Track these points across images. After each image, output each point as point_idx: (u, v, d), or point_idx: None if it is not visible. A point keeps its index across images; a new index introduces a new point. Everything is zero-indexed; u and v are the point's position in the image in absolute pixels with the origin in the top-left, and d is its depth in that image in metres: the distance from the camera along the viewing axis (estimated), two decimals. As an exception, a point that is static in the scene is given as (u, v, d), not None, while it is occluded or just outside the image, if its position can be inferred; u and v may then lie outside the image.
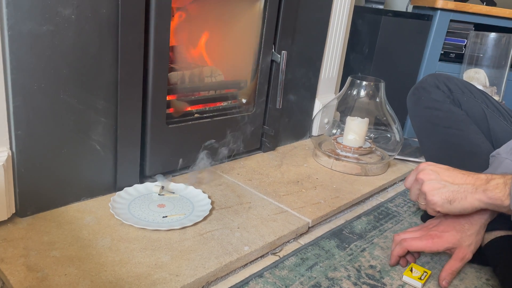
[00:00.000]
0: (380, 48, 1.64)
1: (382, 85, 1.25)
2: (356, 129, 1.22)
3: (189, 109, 1.09)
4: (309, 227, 0.92)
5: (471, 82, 1.24)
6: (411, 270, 0.79)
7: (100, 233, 0.77)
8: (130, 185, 0.92)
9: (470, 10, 1.68)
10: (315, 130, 1.37)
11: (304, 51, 1.28)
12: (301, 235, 0.90)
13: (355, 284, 0.76)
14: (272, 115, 1.23)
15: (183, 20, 1.14)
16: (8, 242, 0.71)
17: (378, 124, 1.31)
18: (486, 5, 1.74)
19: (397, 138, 1.26)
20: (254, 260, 0.80)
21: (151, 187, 0.93)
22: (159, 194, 0.92)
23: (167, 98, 0.97)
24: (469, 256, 0.76)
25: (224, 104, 1.17)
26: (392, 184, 1.22)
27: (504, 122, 0.92)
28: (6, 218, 0.75)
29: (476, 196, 0.68)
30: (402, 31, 1.66)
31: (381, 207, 1.07)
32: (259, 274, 0.75)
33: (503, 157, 0.81)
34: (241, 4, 1.15)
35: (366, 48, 1.68)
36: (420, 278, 0.77)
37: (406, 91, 1.08)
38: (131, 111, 0.88)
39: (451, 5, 1.66)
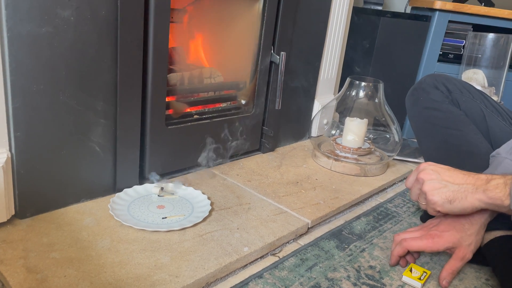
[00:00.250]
0: (378, 49, 1.64)
1: (381, 86, 1.25)
2: (355, 130, 1.22)
3: (188, 110, 1.09)
4: (308, 228, 0.92)
5: (470, 83, 1.24)
6: (411, 270, 0.79)
7: (99, 235, 0.77)
8: (130, 186, 0.92)
9: (468, 11, 1.68)
10: (314, 131, 1.37)
11: (303, 52, 1.28)
12: (301, 235, 0.90)
13: (355, 284, 0.76)
14: (271, 116, 1.23)
15: (182, 22, 1.15)
16: (8, 244, 0.71)
17: (377, 125, 1.32)
18: (485, 5, 1.74)
19: (396, 139, 1.26)
20: (254, 261, 0.80)
21: (150, 188, 0.93)
22: (158, 195, 0.92)
23: (167, 99, 0.97)
24: (469, 255, 0.76)
25: (223, 105, 1.17)
26: (392, 184, 1.22)
27: (502, 122, 0.93)
28: (5, 220, 0.75)
29: (476, 196, 0.69)
30: (400, 32, 1.66)
31: (380, 207, 1.07)
32: (259, 275, 0.75)
33: (502, 157, 0.81)
34: (240, 5, 1.16)
35: (365, 49, 1.68)
36: (419, 278, 0.77)
37: (405, 92, 1.08)
38: (130, 112, 0.88)
39: (450, 6, 1.66)
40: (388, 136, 1.30)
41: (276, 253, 0.83)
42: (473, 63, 1.71)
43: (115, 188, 0.91)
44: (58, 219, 0.80)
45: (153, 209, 0.87)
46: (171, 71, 1.06)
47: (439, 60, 1.75)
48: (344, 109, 1.30)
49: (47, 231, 0.76)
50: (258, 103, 1.18)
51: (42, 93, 0.74)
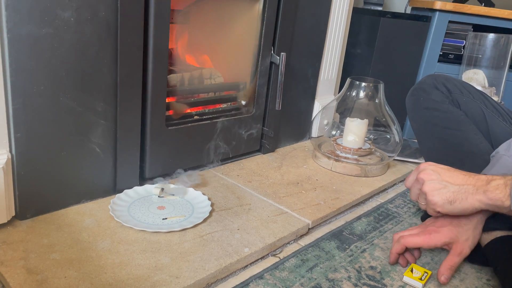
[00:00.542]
0: (379, 50, 1.64)
1: (381, 86, 1.25)
2: (355, 130, 1.22)
3: (188, 111, 1.09)
4: (309, 228, 0.92)
5: (470, 83, 1.24)
6: (412, 271, 0.79)
7: (100, 236, 0.77)
8: (130, 187, 0.92)
9: (468, 11, 1.68)
10: (314, 132, 1.37)
11: (303, 53, 1.28)
12: (301, 236, 0.90)
13: (356, 285, 0.76)
14: (271, 116, 1.23)
15: (182, 22, 1.15)
16: (8, 245, 0.71)
17: (377, 125, 1.31)
18: (485, 6, 1.74)
19: (397, 139, 1.26)
20: (254, 261, 0.79)
21: (151, 189, 0.93)
22: (159, 196, 0.92)
23: (167, 100, 0.97)
24: (466, 251, 0.76)
25: (223, 106, 1.17)
26: (392, 185, 1.22)
27: (503, 123, 0.92)
28: (6, 221, 0.75)
29: (477, 197, 0.68)
30: (401, 33, 1.66)
31: (381, 208, 1.07)
32: (259, 276, 0.75)
33: (500, 154, 0.81)
34: (240, 6, 1.16)
35: (365, 50, 1.68)
36: (420, 279, 0.77)
37: (405, 92, 1.08)
38: (130, 113, 0.88)
39: (450, 6, 1.66)
40: (388, 136, 1.30)
41: (276, 254, 0.83)
42: (474, 63, 1.71)
43: (115, 189, 0.91)
44: (59, 220, 0.80)
45: (153, 210, 0.87)
46: (171, 72, 1.06)
47: (439, 61, 1.75)
48: (344, 109, 1.30)
49: (47, 232, 0.76)
50: (258, 103, 1.18)
51: (42, 94, 0.74)
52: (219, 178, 1.06)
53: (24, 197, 0.78)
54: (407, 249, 0.82)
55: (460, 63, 1.75)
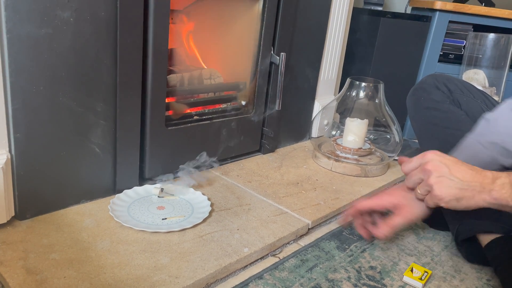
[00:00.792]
0: (379, 50, 1.64)
1: (381, 86, 1.25)
2: (355, 131, 1.22)
3: (188, 111, 1.09)
4: (309, 229, 0.92)
5: (471, 83, 1.24)
6: (412, 270, 0.79)
7: (99, 236, 0.77)
8: (130, 188, 0.92)
9: (469, 11, 1.68)
10: (314, 132, 1.37)
11: (303, 53, 1.28)
12: (301, 236, 0.90)
13: (355, 285, 0.76)
14: (271, 116, 1.23)
15: (182, 23, 1.15)
16: (8, 245, 0.71)
17: (377, 125, 1.31)
18: (485, 6, 1.74)
19: (397, 139, 1.26)
20: (254, 261, 0.79)
21: (150, 189, 0.93)
22: (158, 196, 0.92)
23: (166, 100, 0.97)
24: (411, 216, 0.76)
25: (223, 106, 1.17)
26: (392, 185, 1.22)
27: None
28: (5, 221, 0.75)
29: (483, 196, 0.67)
30: (401, 33, 1.66)
31: (381, 208, 1.07)
32: (259, 276, 0.75)
33: (473, 140, 0.81)
34: (240, 6, 1.16)
35: (365, 50, 1.68)
36: (420, 279, 0.77)
37: (406, 92, 1.08)
38: (130, 113, 0.88)
39: (450, 6, 1.66)
40: (388, 136, 1.30)
41: (276, 254, 0.83)
42: (474, 63, 1.71)
43: (115, 189, 0.91)
44: (58, 220, 0.80)
45: (153, 210, 0.87)
46: (171, 72, 1.06)
47: (439, 61, 1.75)
48: (344, 109, 1.30)
49: (47, 232, 0.76)
50: (258, 104, 1.18)
51: (41, 94, 0.74)
52: (219, 178, 1.06)
53: (23, 197, 0.78)
54: (373, 223, 0.83)
55: (460, 63, 1.75)
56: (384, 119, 1.27)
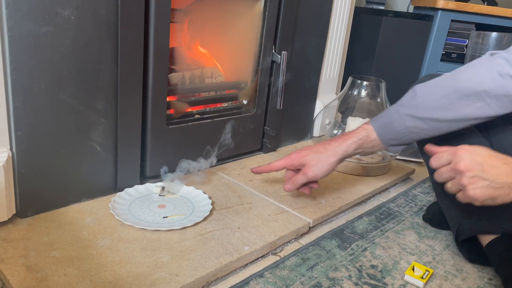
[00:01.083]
0: (381, 49, 1.64)
1: (383, 85, 1.25)
2: (357, 129, 1.21)
3: (189, 110, 1.09)
4: (310, 227, 0.92)
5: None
6: (413, 269, 0.79)
7: (100, 234, 0.77)
8: (131, 186, 0.92)
9: (471, 10, 1.68)
10: (316, 131, 1.37)
11: (304, 52, 1.28)
12: (302, 235, 0.90)
13: (356, 284, 0.75)
14: (273, 115, 1.23)
15: (183, 21, 1.15)
16: (8, 243, 0.71)
17: (379, 124, 1.31)
18: (487, 5, 1.74)
19: (399, 138, 1.25)
20: (255, 260, 0.79)
21: (151, 187, 0.93)
22: (159, 195, 0.92)
23: (168, 99, 0.97)
24: (311, 174, 0.87)
25: (224, 105, 1.17)
26: (394, 184, 1.21)
27: (503, 121, 0.92)
28: (6, 219, 0.75)
29: None
30: (403, 32, 1.65)
31: (382, 207, 1.07)
32: (260, 274, 0.75)
33: (394, 108, 0.84)
34: (241, 5, 1.16)
35: (367, 49, 1.68)
36: (422, 277, 0.77)
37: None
38: (131, 111, 0.88)
39: (452, 5, 1.66)
40: (390, 135, 1.29)
41: (277, 253, 0.83)
42: (476, 62, 1.70)
43: (116, 187, 0.91)
44: (59, 218, 0.80)
45: (154, 209, 0.87)
46: (172, 70, 1.06)
47: (442, 60, 1.75)
48: (346, 108, 1.30)
49: (47, 230, 0.76)
50: (260, 102, 1.18)
51: (42, 92, 0.75)
52: (220, 177, 1.06)
53: (24, 195, 0.78)
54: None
55: (462, 62, 1.75)
56: (385, 118, 1.26)
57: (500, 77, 0.73)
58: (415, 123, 0.81)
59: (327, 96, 1.43)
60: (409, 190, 1.19)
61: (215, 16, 1.19)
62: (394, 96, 1.37)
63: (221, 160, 1.11)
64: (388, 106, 1.25)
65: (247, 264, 0.78)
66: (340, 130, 1.36)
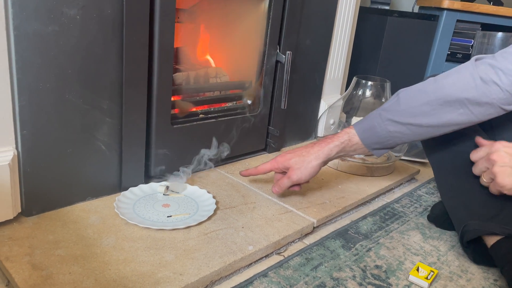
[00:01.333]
0: (386, 49, 1.64)
1: (388, 85, 1.25)
2: (361, 130, 1.21)
3: (194, 109, 1.09)
4: (314, 227, 0.91)
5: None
6: (418, 270, 0.78)
7: (104, 232, 0.77)
8: (135, 185, 0.92)
9: (477, 10, 1.67)
10: (320, 131, 1.37)
11: (309, 52, 1.28)
12: (306, 235, 0.90)
13: (360, 284, 0.75)
14: (277, 115, 1.23)
15: (188, 21, 1.15)
16: (14, 241, 0.72)
17: (384, 125, 1.30)
18: (493, 4, 1.73)
19: (403, 139, 1.25)
20: (259, 259, 0.79)
21: (156, 187, 0.93)
22: (164, 194, 0.92)
23: (172, 99, 0.97)
24: (294, 177, 0.89)
25: (229, 104, 1.17)
26: (399, 184, 1.21)
27: (507, 120, 0.91)
28: (12, 217, 0.76)
29: None
30: (408, 32, 1.65)
31: (387, 207, 1.06)
32: (264, 274, 0.75)
33: (377, 112, 0.85)
34: (246, 5, 1.16)
35: (372, 49, 1.67)
36: (426, 278, 0.76)
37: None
38: (136, 111, 0.88)
39: (458, 5, 1.65)
40: (395, 136, 1.29)
41: (281, 252, 0.83)
42: (482, 62, 1.69)
43: (120, 186, 0.91)
44: (64, 217, 0.80)
45: (158, 208, 0.87)
46: (176, 70, 1.07)
47: (447, 60, 1.74)
48: (350, 108, 1.29)
49: (52, 229, 0.76)
50: (264, 102, 1.18)
51: (48, 91, 0.75)
52: (224, 177, 1.06)
53: (30, 194, 0.78)
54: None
55: (468, 63, 1.74)
56: (390, 118, 1.26)
57: (483, 83, 0.74)
58: (397, 128, 0.83)
59: (331, 96, 1.43)
60: (414, 191, 1.18)
61: (219, 16, 1.19)
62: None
63: (225, 159, 1.11)
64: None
65: (251, 264, 0.78)
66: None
